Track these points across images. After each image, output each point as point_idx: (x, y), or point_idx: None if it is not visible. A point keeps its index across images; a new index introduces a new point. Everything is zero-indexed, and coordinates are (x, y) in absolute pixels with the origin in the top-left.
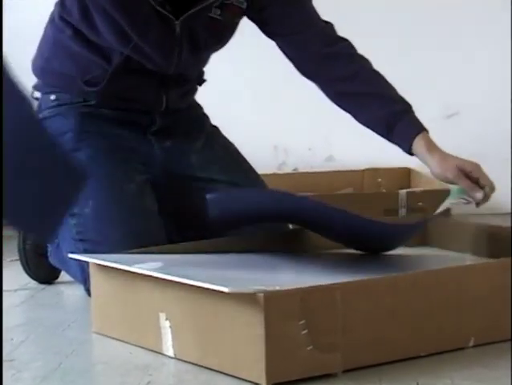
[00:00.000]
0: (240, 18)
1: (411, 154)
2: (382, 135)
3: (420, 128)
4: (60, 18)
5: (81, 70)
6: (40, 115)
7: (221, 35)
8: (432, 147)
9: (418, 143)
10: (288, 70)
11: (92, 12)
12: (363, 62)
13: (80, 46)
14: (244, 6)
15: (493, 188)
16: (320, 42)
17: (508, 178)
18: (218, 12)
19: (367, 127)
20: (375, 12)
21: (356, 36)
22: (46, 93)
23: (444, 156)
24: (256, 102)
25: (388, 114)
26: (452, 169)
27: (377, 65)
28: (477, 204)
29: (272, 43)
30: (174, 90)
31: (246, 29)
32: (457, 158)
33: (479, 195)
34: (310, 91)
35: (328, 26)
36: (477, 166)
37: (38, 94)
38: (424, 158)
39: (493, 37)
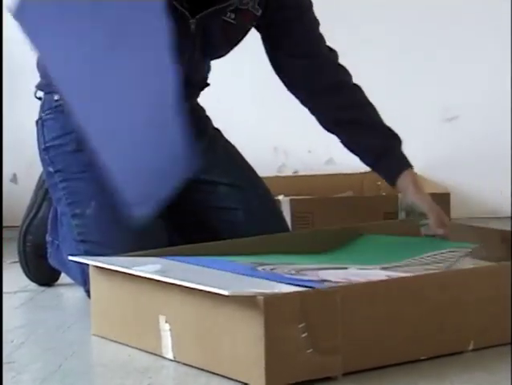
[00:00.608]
0: (252, 24)
1: (393, 186)
2: (368, 165)
3: (406, 165)
4: None
5: None
6: (43, 115)
7: (232, 39)
8: (415, 182)
9: (402, 179)
10: None
11: None
12: (359, 93)
13: None
14: (259, 13)
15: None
16: (322, 72)
17: (508, 180)
18: (233, 16)
19: (355, 154)
20: (374, 12)
21: (356, 36)
22: (49, 92)
23: (422, 191)
24: (256, 104)
25: (378, 146)
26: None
27: (377, 65)
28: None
29: None
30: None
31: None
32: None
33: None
34: None
35: (333, 53)
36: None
37: (41, 93)
38: (406, 192)
39: (492, 38)
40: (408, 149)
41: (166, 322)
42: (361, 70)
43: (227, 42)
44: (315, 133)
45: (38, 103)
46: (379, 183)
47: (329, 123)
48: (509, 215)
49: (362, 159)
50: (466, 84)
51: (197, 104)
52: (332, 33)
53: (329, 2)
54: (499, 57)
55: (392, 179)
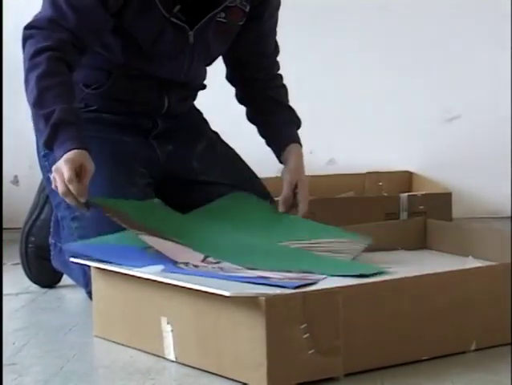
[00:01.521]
0: (242, 20)
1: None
2: (267, 144)
3: (292, 140)
4: None
5: (83, 76)
6: None
7: (226, 38)
8: (294, 155)
9: (287, 151)
10: (288, 75)
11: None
12: (283, 110)
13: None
14: (247, 9)
15: (304, 207)
16: (266, 82)
17: (508, 180)
18: (223, 15)
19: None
20: (374, 13)
21: (354, 37)
22: None
23: (295, 167)
24: None
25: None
26: (291, 177)
27: (376, 67)
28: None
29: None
30: (176, 92)
31: None
32: (298, 175)
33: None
34: (311, 94)
35: (278, 76)
36: (302, 181)
37: None
38: (284, 162)
39: (492, 39)
40: (409, 149)
41: (168, 323)
42: (363, 71)
43: (222, 42)
44: (316, 134)
45: None
46: (381, 183)
47: (248, 113)
48: (510, 215)
49: (267, 142)
50: (467, 84)
51: (194, 107)
52: (332, 32)
53: (333, 2)
54: (498, 58)
55: (277, 153)
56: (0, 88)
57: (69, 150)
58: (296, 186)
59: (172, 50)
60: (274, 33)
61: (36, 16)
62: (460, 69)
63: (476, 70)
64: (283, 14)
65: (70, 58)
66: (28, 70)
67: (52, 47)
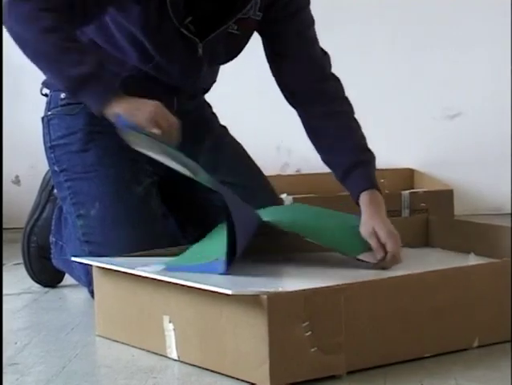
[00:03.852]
0: (254, 29)
1: (357, 204)
2: (337, 179)
3: (369, 184)
4: None
5: None
6: (49, 113)
7: (237, 48)
8: (372, 203)
9: (363, 197)
10: None
11: (113, 31)
12: (345, 107)
13: (94, 50)
14: (259, 17)
15: (395, 259)
16: (314, 76)
17: (508, 178)
18: (236, 27)
19: (327, 165)
20: (375, 11)
21: (356, 36)
22: (56, 90)
23: (374, 215)
24: (258, 102)
25: (348, 163)
26: (368, 227)
27: (377, 65)
28: (376, 264)
29: None
30: (185, 93)
31: None
32: (383, 222)
33: (379, 256)
34: None
35: (326, 57)
36: (391, 236)
37: (47, 90)
38: (362, 216)
39: (493, 36)
40: (410, 147)
41: (170, 321)
42: (364, 71)
43: (233, 51)
44: None
45: (43, 100)
46: (383, 180)
47: (308, 131)
48: (510, 212)
49: (333, 171)
50: (467, 83)
51: (204, 101)
52: (334, 33)
53: (334, 2)
54: (499, 56)
55: (353, 197)
56: (0, 88)
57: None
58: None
59: (181, 61)
60: (308, 34)
61: None
62: (460, 66)
63: (476, 67)
64: None
65: (71, 21)
66: (25, 24)
67: (53, 7)
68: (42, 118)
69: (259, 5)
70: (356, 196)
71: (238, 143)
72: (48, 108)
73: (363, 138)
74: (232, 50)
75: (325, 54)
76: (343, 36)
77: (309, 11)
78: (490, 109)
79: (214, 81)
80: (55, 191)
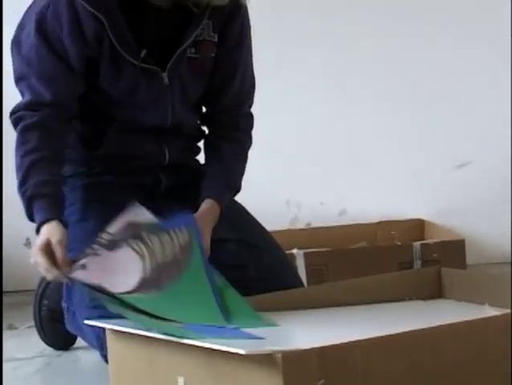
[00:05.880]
0: (214, 52)
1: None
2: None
3: (220, 198)
4: None
5: (80, 138)
6: None
7: (201, 73)
8: (209, 211)
9: (206, 202)
10: (299, 124)
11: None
12: (248, 141)
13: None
14: (215, 39)
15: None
16: (239, 111)
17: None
18: (193, 50)
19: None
20: (385, 66)
21: (365, 88)
22: None
23: (203, 223)
24: (267, 156)
25: (218, 177)
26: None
27: (385, 116)
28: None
29: (287, 99)
30: (174, 141)
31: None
32: (207, 234)
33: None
34: (322, 145)
35: (248, 114)
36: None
37: None
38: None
39: (495, 86)
40: (420, 197)
41: (185, 383)
42: (372, 122)
43: (198, 79)
44: (327, 185)
45: None
46: (393, 232)
47: (207, 145)
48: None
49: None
50: (476, 132)
51: (197, 162)
52: (339, 77)
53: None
54: (505, 103)
55: (201, 197)
56: (0, 90)
57: (41, 222)
58: None
59: (150, 96)
60: (247, 66)
61: (17, 104)
62: (468, 118)
63: (484, 117)
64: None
65: (58, 126)
66: (15, 150)
67: (38, 123)
68: None
69: (211, 26)
70: (204, 197)
71: (235, 201)
72: None
73: (243, 170)
74: (197, 74)
75: (252, 86)
76: (354, 88)
77: (250, 39)
78: (499, 157)
79: (196, 121)
80: None
